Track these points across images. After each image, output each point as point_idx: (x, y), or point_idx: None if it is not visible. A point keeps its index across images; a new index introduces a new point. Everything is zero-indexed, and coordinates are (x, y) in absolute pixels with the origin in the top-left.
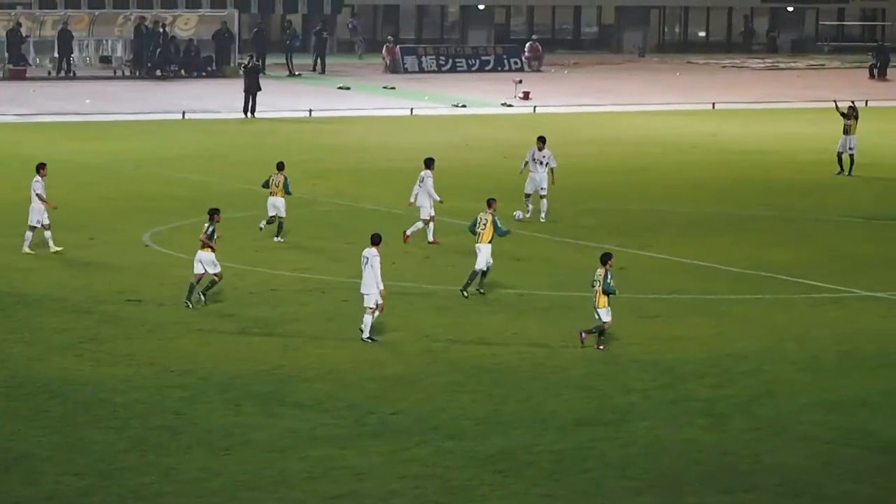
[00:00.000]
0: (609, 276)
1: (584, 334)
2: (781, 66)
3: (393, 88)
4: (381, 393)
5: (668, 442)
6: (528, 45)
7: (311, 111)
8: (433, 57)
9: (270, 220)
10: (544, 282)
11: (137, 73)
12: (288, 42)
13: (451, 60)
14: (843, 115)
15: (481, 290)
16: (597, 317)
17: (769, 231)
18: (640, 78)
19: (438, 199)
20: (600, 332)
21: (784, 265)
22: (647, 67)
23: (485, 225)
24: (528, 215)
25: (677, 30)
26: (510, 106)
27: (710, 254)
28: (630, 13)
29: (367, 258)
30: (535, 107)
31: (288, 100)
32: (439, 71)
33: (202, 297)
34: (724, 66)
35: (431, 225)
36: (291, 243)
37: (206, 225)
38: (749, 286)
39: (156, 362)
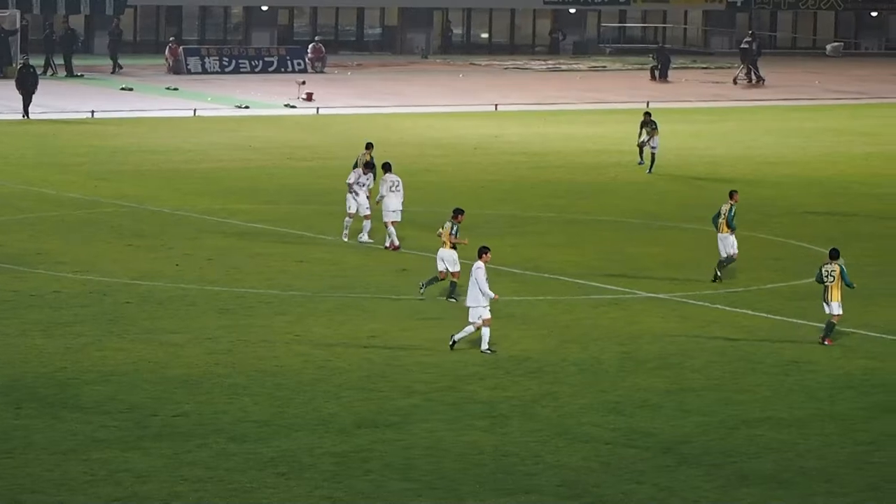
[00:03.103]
0: (845, 271)
1: (826, 340)
2: (563, 67)
3: (176, 89)
4: (163, 395)
5: (449, 444)
6: (311, 46)
7: (93, 112)
8: (216, 58)
9: None
10: (328, 283)
11: None
12: (56, 41)
13: (234, 61)
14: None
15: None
16: (828, 310)
17: (551, 233)
18: (423, 79)
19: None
20: (832, 327)
21: (566, 267)
22: (430, 69)
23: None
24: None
25: (460, 31)
26: (293, 107)
27: (493, 255)
28: (413, 15)
29: (472, 271)
30: (318, 108)
31: (70, 101)
32: (222, 72)
33: (423, 287)
34: (506, 68)
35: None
36: (74, 245)
37: (450, 224)
38: (531, 288)
39: None
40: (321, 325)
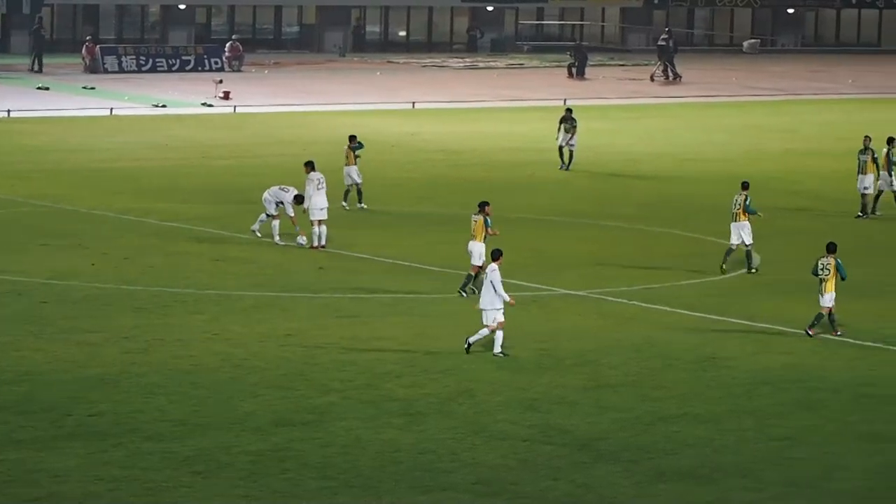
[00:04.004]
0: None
1: (809, 330)
2: (481, 65)
3: (93, 88)
4: (79, 394)
5: (366, 442)
6: (228, 45)
7: (9, 111)
8: (133, 57)
9: None
10: (245, 282)
11: None
12: None
13: (151, 60)
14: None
15: (473, 290)
16: (822, 303)
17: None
18: (340, 78)
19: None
20: (831, 318)
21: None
22: (347, 67)
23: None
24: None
25: (378, 29)
26: (210, 106)
27: (411, 253)
28: (331, 13)
29: (486, 273)
30: (235, 107)
31: None
32: (140, 71)
33: (473, 290)
34: (424, 66)
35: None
36: None
37: (480, 216)
38: (449, 285)
39: None
40: (238, 324)
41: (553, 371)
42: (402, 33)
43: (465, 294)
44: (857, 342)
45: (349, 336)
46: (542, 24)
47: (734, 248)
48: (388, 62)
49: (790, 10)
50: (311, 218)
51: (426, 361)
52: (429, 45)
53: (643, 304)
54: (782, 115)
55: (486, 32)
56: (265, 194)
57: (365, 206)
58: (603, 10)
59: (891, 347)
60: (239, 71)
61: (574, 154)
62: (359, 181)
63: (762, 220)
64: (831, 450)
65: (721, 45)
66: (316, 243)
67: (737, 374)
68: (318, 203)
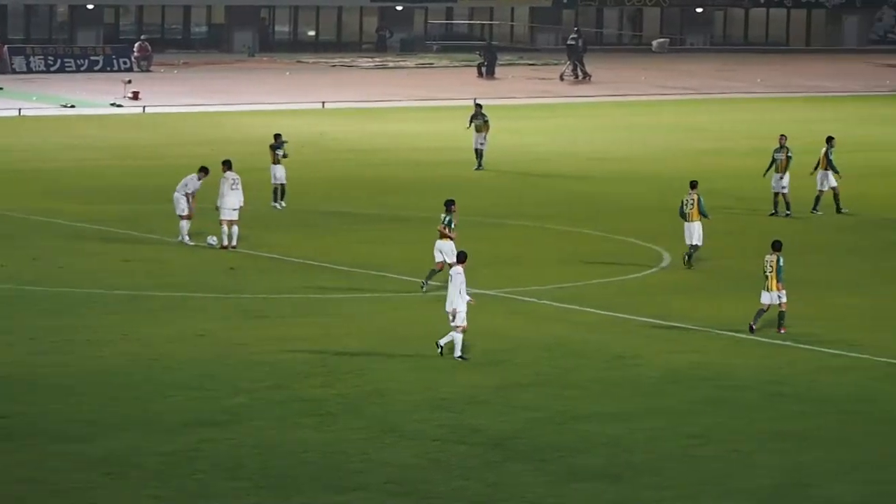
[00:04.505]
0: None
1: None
2: (391, 65)
3: (1, 89)
4: None
5: (276, 442)
6: (137, 45)
7: None
8: (41, 57)
9: None
10: (155, 282)
11: None
12: None
13: (59, 60)
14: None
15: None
16: (769, 300)
17: (380, 229)
18: (250, 77)
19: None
20: (780, 316)
21: (394, 263)
22: (257, 67)
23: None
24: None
25: (287, 29)
26: (120, 106)
27: (321, 253)
28: (239, 13)
29: (451, 276)
30: (144, 107)
31: None
32: (48, 71)
33: (427, 284)
34: (333, 66)
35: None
36: None
37: (444, 216)
38: (359, 285)
39: None
40: (148, 325)
41: (464, 370)
42: (312, 33)
43: (425, 286)
44: (766, 340)
45: (259, 337)
46: (452, 24)
47: (695, 245)
48: (298, 62)
49: (699, 10)
50: (223, 217)
51: (336, 362)
52: (338, 44)
53: (553, 304)
54: (691, 114)
55: (396, 32)
56: (175, 194)
57: (280, 206)
58: (512, 9)
59: (799, 346)
60: (148, 71)
61: (484, 153)
62: (283, 181)
63: (666, 218)
64: (741, 448)
65: (630, 45)
66: (226, 243)
67: (647, 373)
68: (230, 203)
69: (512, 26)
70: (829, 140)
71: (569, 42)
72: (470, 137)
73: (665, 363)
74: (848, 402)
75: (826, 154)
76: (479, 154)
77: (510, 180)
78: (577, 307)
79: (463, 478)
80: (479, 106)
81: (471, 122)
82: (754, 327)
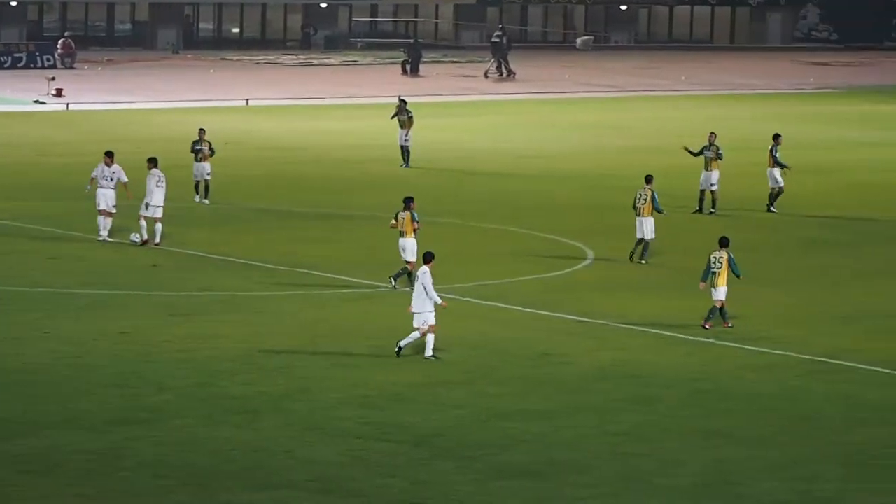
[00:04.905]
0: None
1: (706, 324)
2: (315, 62)
3: None
4: None
5: (201, 439)
6: (61, 42)
7: None
8: None
9: None
10: (78, 280)
11: None
12: None
13: None
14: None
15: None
16: (715, 296)
17: (305, 227)
18: (174, 75)
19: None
20: (715, 311)
21: (319, 261)
22: (181, 64)
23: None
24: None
25: (211, 26)
26: (43, 103)
27: (246, 250)
28: (163, 10)
29: (417, 276)
30: (68, 104)
31: None
32: None
33: (395, 281)
34: (258, 63)
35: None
36: None
37: (407, 213)
38: (284, 282)
39: None
40: (71, 322)
41: (389, 368)
42: (236, 30)
43: (394, 283)
44: (691, 338)
45: (184, 334)
46: (376, 21)
47: (646, 240)
48: (222, 59)
49: (623, 7)
50: (146, 214)
51: (261, 359)
52: (263, 42)
53: (478, 301)
54: (616, 112)
55: (320, 29)
56: (105, 190)
57: (204, 202)
58: (437, 6)
59: (724, 343)
60: (72, 68)
61: (410, 150)
62: (208, 177)
63: (591, 216)
64: (666, 445)
65: (555, 42)
66: (146, 238)
67: (572, 371)
68: (155, 200)
69: (436, 24)
70: (776, 137)
71: (493, 40)
72: (394, 133)
73: (590, 361)
74: (771, 400)
75: (771, 151)
76: (404, 151)
77: (435, 178)
78: (502, 304)
79: (388, 475)
80: (403, 101)
81: (394, 116)
82: (728, 325)
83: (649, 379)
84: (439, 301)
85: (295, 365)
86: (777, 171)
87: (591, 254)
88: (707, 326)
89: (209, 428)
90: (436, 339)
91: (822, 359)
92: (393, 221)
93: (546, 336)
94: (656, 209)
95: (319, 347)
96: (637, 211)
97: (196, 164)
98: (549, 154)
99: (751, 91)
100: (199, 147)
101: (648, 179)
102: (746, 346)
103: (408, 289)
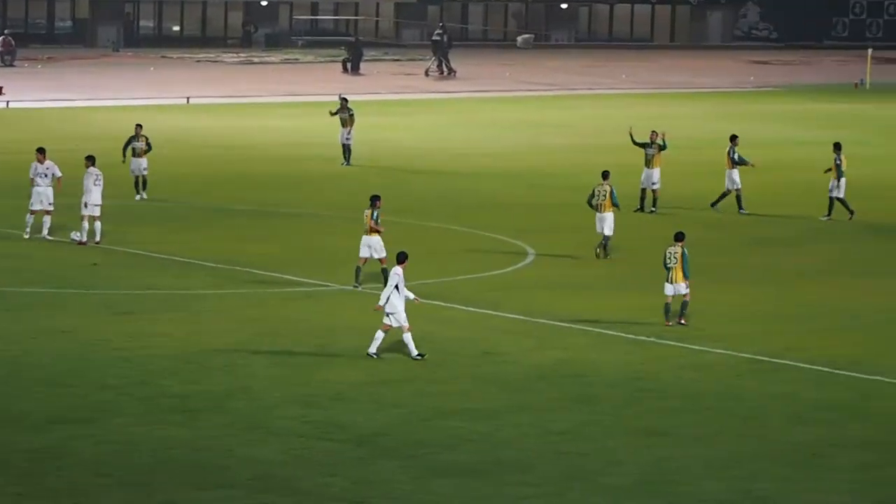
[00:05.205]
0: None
1: (668, 322)
2: (256, 60)
3: None
4: None
5: (141, 439)
6: (0, 39)
7: None
8: None
9: None
10: (18, 279)
11: None
12: None
13: None
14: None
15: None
16: (672, 291)
17: (246, 225)
18: (114, 73)
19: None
20: (685, 306)
21: (260, 259)
22: (122, 62)
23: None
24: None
25: (151, 24)
26: None
27: (187, 249)
28: (104, 7)
29: (391, 276)
30: (7, 102)
31: None
32: None
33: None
34: (198, 61)
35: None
36: None
37: (370, 210)
38: (225, 281)
39: None
40: (10, 321)
41: (330, 367)
42: (176, 28)
43: (359, 287)
44: (632, 337)
45: (124, 333)
46: (317, 19)
47: (606, 235)
48: (163, 57)
49: (564, 6)
50: (85, 213)
51: (202, 358)
52: (203, 39)
53: (419, 300)
54: (557, 110)
55: (261, 27)
56: (38, 189)
57: (142, 196)
58: (377, 4)
59: (664, 342)
60: (11, 66)
61: (351, 148)
62: (144, 172)
63: (532, 214)
64: (607, 444)
65: (495, 41)
66: (85, 239)
67: (514, 370)
68: (93, 199)
69: (377, 22)
70: (733, 139)
71: (434, 38)
72: (336, 132)
73: (532, 360)
74: (712, 399)
75: (729, 152)
76: (346, 149)
77: (376, 176)
78: (443, 303)
79: (329, 474)
80: (344, 100)
81: (335, 114)
82: (669, 324)
83: (591, 378)
84: (411, 297)
85: (236, 364)
86: (735, 173)
87: (532, 252)
88: (669, 324)
89: (150, 427)
90: (381, 339)
91: (763, 358)
92: (371, 220)
93: (488, 335)
94: (615, 204)
95: (261, 346)
96: (597, 207)
97: (133, 159)
98: (491, 152)
99: (691, 89)
100: (136, 143)
101: (605, 175)
102: (688, 345)
103: (361, 286)
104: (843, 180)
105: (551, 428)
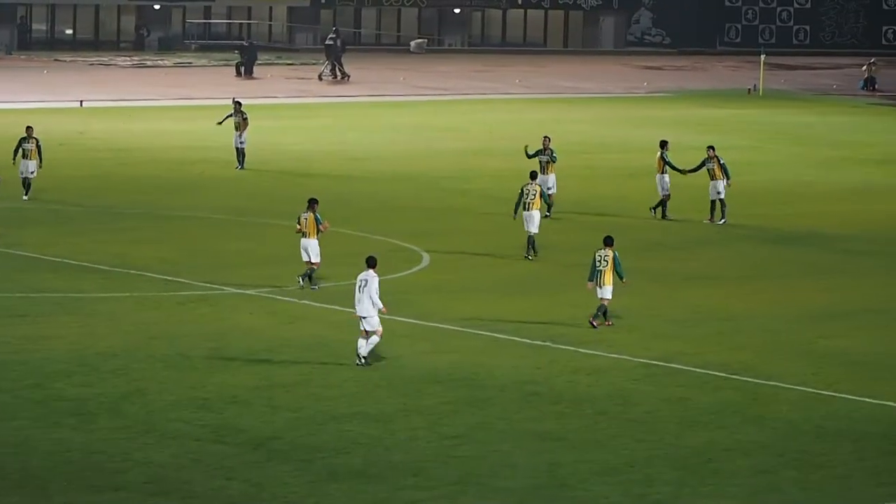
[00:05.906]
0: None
1: (595, 321)
2: (149, 63)
3: None
4: None
5: (36, 442)
6: None
7: None
8: None
9: None
10: None
11: None
12: None
13: None
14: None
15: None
16: (600, 294)
17: (139, 228)
18: (7, 76)
19: None
20: (604, 310)
21: (153, 262)
22: (13, 65)
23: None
24: None
25: (44, 27)
26: None
27: (79, 252)
28: None
29: (366, 280)
30: None
31: None
32: None
33: (303, 281)
34: (91, 64)
35: None
36: None
37: (310, 214)
38: (118, 284)
39: None
40: None
41: (225, 370)
42: (69, 31)
43: (315, 288)
44: (525, 340)
45: (18, 335)
46: (210, 23)
47: (532, 234)
48: (55, 60)
49: (456, 11)
50: None
51: (96, 360)
52: (96, 43)
53: (313, 304)
54: (450, 115)
55: (154, 31)
56: None
57: (25, 198)
58: (270, 8)
59: (558, 346)
60: None
61: (245, 152)
62: (32, 175)
63: (427, 217)
64: (500, 448)
65: (389, 45)
66: None
67: (407, 373)
68: None
69: (270, 25)
70: (663, 144)
71: (327, 42)
72: (228, 136)
73: (424, 363)
74: (605, 403)
75: (661, 157)
76: (240, 153)
77: (270, 180)
78: (337, 307)
79: (224, 478)
80: (237, 103)
81: (228, 118)
82: (609, 323)
83: (483, 381)
84: (381, 307)
85: (130, 367)
86: (667, 178)
87: (426, 256)
88: (595, 324)
89: (44, 430)
90: (270, 341)
91: (657, 362)
92: (297, 225)
93: (381, 338)
94: (545, 202)
95: (155, 350)
96: (525, 206)
97: (23, 161)
98: (384, 156)
99: (584, 94)
100: (26, 144)
101: (533, 176)
102: (581, 349)
103: (314, 287)
104: (723, 182)
105: (443, 432)
